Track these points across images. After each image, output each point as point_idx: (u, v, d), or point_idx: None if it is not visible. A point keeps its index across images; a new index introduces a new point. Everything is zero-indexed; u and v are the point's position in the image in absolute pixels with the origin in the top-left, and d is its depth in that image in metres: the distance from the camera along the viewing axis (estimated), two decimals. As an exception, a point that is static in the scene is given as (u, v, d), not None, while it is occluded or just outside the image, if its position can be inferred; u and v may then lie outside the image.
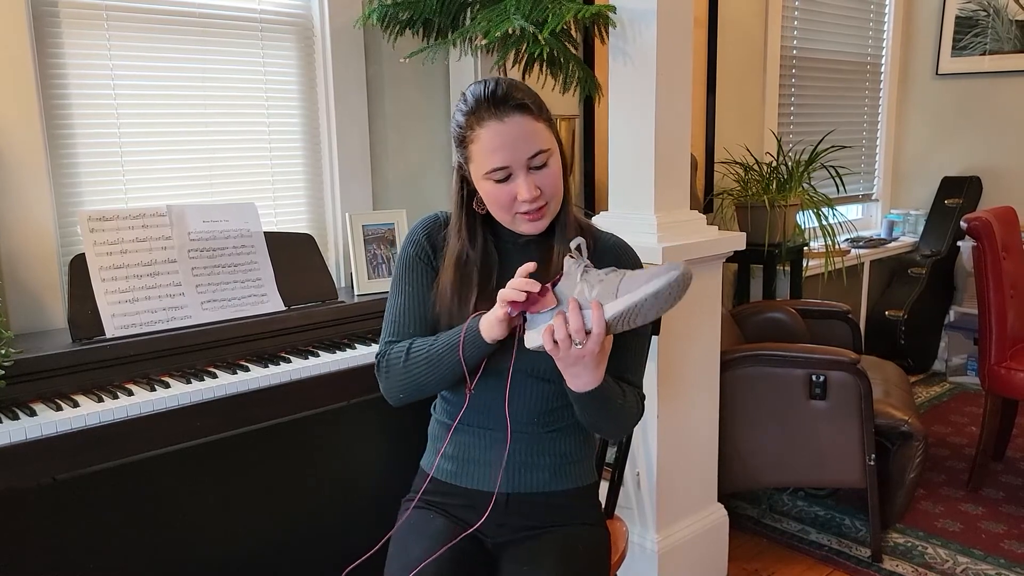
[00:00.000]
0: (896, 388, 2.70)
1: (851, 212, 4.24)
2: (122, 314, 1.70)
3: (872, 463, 2.34)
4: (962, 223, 2.79)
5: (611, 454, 1.70)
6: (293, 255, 2.00)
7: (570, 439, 1.44)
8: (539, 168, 1.30)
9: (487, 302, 1.32)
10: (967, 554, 2.44)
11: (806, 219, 3.28)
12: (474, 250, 1.38)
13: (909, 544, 2.51)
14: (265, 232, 1.96)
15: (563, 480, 1.43)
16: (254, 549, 1.96)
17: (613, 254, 1.41)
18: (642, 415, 1.43)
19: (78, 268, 1.70)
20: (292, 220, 2.25)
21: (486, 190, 1.32)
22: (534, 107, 1.30)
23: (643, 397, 1.43)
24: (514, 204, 1.31)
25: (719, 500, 2.33)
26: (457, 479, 1.44)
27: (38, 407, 1.48)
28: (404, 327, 1.41)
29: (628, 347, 1.40)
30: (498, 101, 1.28)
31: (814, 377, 2.35)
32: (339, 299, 2.05)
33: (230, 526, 1.92)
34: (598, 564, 1.41)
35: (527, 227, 1.33)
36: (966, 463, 3.05)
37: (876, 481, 2.36)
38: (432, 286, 1.41)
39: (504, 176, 1.29)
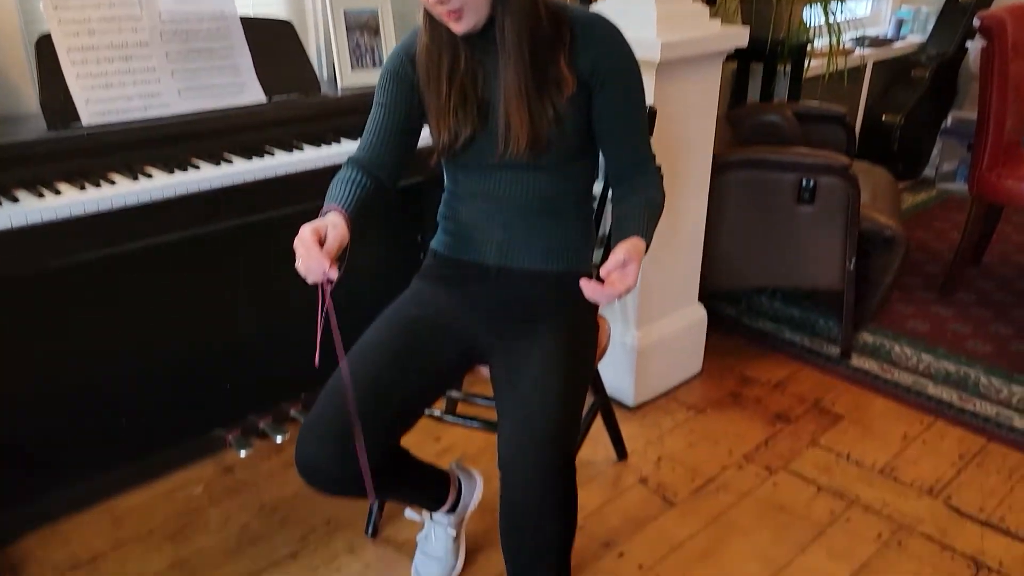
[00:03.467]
0: (884, 194, 2.71)
1: (860, 8, 4.03)
2: (96, 100, 1.63)
3: (852, 268, 2.39)
4: (976, 19, 2.67)
5: (597, 255, 1.72)
6: (271, 43, 1.90)
7: (569, 227, 1.47)
8: None
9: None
10: (931, 352, 2.56)
11: (812, 15, 3.11)
12: (433, 43, 1.33)
13: (878, 343, 2.62)
14: (241, 17, 1.84)
15: (556, 262, 1.46)
16: (243, 340, 2.02)
17: (597, 48, 1.34)
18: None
19: (45, 49, 1.61)
20: (268, 4, 2.11)
21: None
22: None
23: (659, 168, 1.46)
24: (432, 4, 1.25)
25: (699, 300, 2.40)
26: (454, 251, 1.50)
27: (20, 194, 1.46)
28: (369, 142, 1.43)
29: (635, 132, 1.42)
30: None
31: (804, 182, 2.34)
32: (322, 92, 1.97)
33: (221, 318, 1.97)
34: (588, 345, 1.47)
35: (453, 27, 1.28)
36: (943, 268, 3.12)
37: (854, 285, 2.43)
38: (407, 103, 1.40)
39: None
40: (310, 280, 1.16)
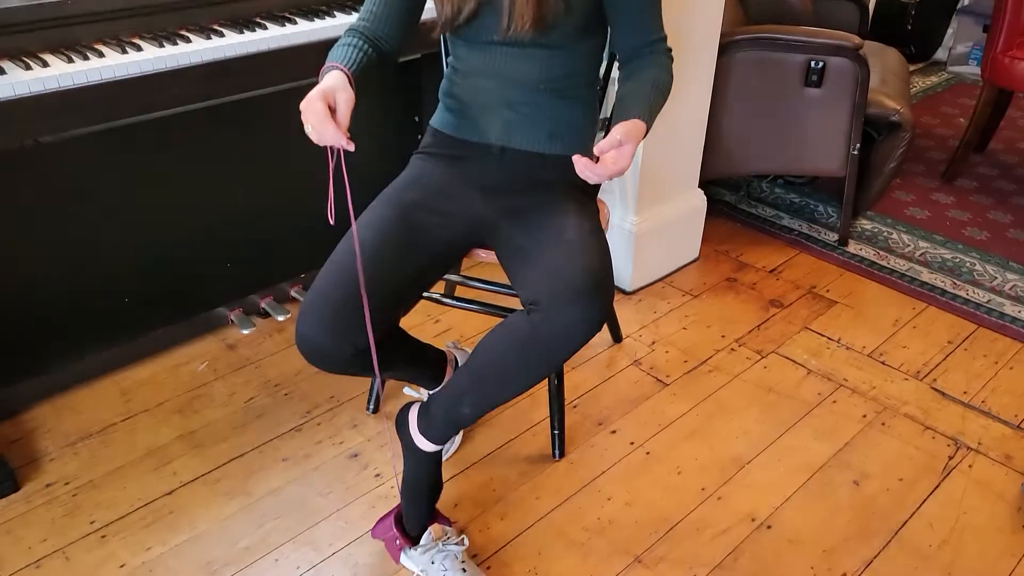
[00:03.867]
0: (893, 76, 2.64)
1: None
2: (78, -33, 1.56)
3: (856, 152, 2.36)
4: None
5: (598, 137, 1.69)
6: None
7: (575, 110, 1.45)
8: None
9: None
10: (928, 239, 2.57)
11: None
12: None
13: (876, 230, 2.63)
14: None
15: (560, 145, 1.44)
16: (242, 219, 2.02)
17: None
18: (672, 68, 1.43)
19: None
20: None
21: None
22: None
23: (670, 50, 1.42)
24: None
25: (699, 186, 2.38)
26: (456, 130, 1.48)
27: (5, 64, 1.41)
28: (371, 12, 1.39)
29: (646, 10, 1.38)
30: None
31: (812, 63, 2.27)
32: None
33: (219, 197, 1.96)
34: (597, 227, 1.47)
35: None
36: (947, 154, 3.09)
37: (856, 170, 2.41)
38: None
39: None
40: (325, 144, 1.16)
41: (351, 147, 1.14)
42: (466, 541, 1.43)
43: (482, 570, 1.46)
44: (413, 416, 1.45)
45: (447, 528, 1.45)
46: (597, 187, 1.54)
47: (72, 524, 1.56)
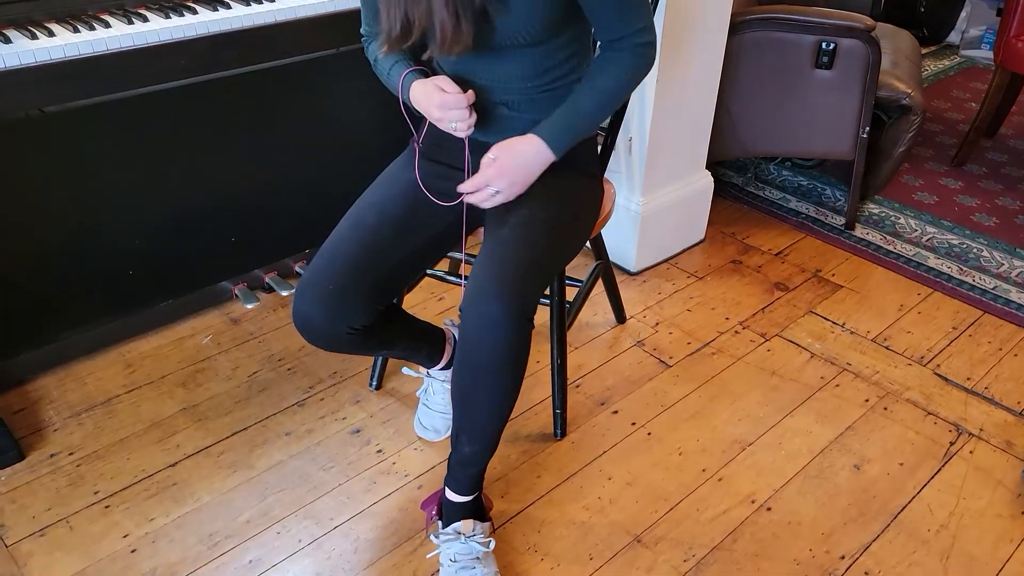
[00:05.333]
0: (905, 59, 2.61)
1: None
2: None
3: (865, 136, 2.34)
4: None
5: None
6: None
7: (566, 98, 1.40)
8: None
9: None
10: (936, 224, 2.56)
11: None
12: None
13: (883, 214, 2.61)
14: None
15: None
16: (247, 194, 2.01)
17: None
18: (651, 62, 1.33)
19: None
20: None
21: None
22: None
23: (643, 44, 1.31)
24: None
25: (706, 167, 2.37)
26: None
27: (11, 33, 1.41)
28: (366, 15, 1.40)
29: (605, 4, 1.27)
30: None
31: (823, 44, 2.25)
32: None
33: (224, 170, 1.95)
34: (580, 213, 1.45)
35: None
36: (957, 139, 3.06)
37: (865, 153, 2.39)
38: None
39: None
40: (461, 134, 1.31)
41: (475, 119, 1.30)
42: (492, 544, 1.40)
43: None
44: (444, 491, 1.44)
45: (480, 524, 1.41)
46: (594, 164, 1.51)
47: (76, 494, 1.57)
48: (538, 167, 1.30)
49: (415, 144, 1.47)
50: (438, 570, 1.40)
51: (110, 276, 1.87)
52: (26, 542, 1.47)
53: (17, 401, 1.78)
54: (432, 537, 1.41)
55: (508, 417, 1.35)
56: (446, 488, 1.41)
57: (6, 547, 1.46)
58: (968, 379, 1.93)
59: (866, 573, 1.46)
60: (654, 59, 1.34)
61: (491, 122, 1.38)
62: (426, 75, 1.33)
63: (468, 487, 1.40)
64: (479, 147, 1.35)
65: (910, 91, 2.39)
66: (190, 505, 1.55)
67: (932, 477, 1.66)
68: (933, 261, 2.38)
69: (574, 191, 1.43)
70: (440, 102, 1.27)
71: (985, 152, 3.03)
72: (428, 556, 1.45)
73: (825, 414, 1.81)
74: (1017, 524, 1.56)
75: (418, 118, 1.38)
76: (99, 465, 1.63)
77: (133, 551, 1.46)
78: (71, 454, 1.66)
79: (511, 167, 1.28)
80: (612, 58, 1.32)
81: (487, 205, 1.30)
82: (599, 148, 1.65)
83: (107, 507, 1.55)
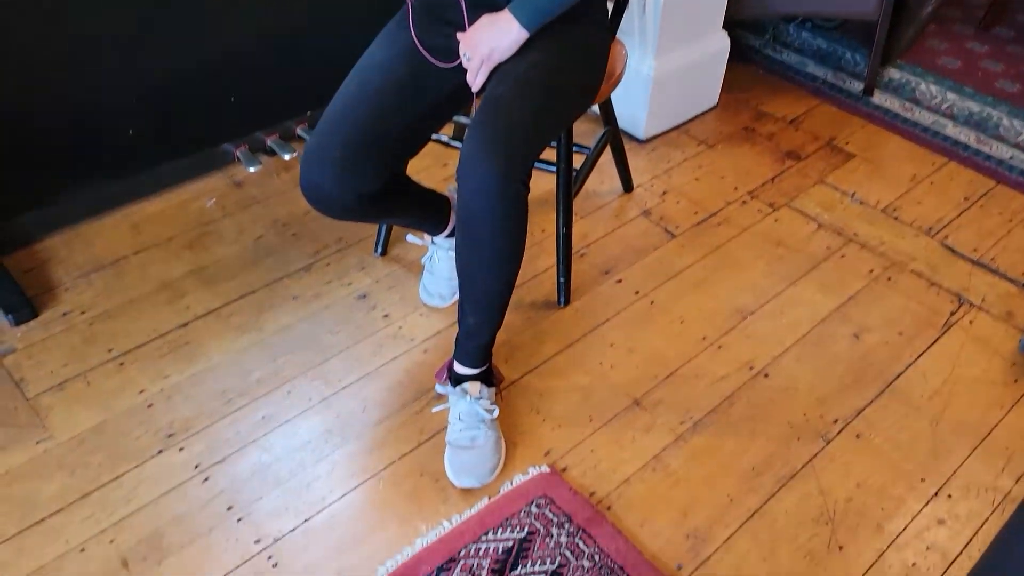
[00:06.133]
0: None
1: None
2: None
3: (892, -5, 2.23)
4: None
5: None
6: None
7: None
8: None
9: None
10: (958, 91, 2.47)
11: None
12: None
13: (904, 80, 2.52)
14: None
15: None
16: (245, 53, 1.95)
17: None
18: None
19: None
20: None
21: None
22: None
23: None
24: None
25: (723, 28, 2.26)
26: None
27: None
28: None
29: None
30: None
31: None
32: None
33: (221, 29, 1.88)
34: (581, 71, 1.40)
35: None
36: (986, 0, 2.91)
37: (890, 14, 2.28)
38: None
39: None
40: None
41: None
42: (496, 412, 1.42)
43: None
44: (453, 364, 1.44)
45: (487, 389, 1.43)
46: (603, 13, 1.45)
47: (91, 351, 1.61)
48: (506, 23, 1.26)
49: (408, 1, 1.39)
50: (445, 427, 1.46)
51: (110, 136, 1.83)
52: (46, 396, 1.53)
53: (26, 260, 1.80)
54: (440, 388, 1.45)
55: (510, 286, 1.35)
56: (455, 361, 1.44)
57: (27, 400, 1.52)
58: (975, 250, 1.92)
59: (857, 435, 1.51)
60: None
61: None
62: None
63: (475, 359, 1.42)
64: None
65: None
66: (203, 364, 1.60)
67: (930, 346, 1.69)
68: (951, 130, 2.31)
69: (574, 49, 1.37)
70: None
71: (1015, 13, 2.88)
72: (434, 410, 1.49)
73: (828, 284, 1.82)
74: (1009, 391, 1.60)
75: None
76: (111, 324, 1.67)
77: (150, 405, 1.51)
78: (83, 313, 1.69)
79: (481, 35, 1.26)
80: None
81: (480, 79, 1.28)
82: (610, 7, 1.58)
83: (122, 364, 1.59)
